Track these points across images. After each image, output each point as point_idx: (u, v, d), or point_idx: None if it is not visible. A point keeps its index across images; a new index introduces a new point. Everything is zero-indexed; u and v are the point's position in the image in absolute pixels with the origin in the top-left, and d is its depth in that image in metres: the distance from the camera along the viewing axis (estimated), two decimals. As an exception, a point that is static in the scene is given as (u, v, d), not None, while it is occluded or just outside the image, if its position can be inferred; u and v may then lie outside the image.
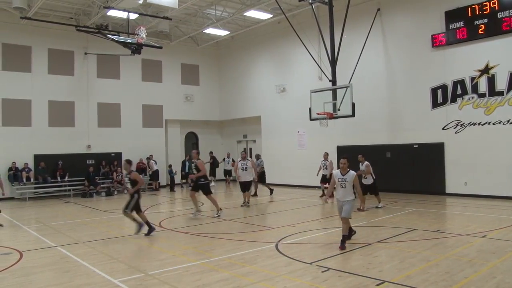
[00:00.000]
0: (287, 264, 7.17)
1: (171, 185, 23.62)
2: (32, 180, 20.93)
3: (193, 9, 21.48)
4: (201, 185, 13.58)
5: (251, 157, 21.52)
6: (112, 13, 19.85)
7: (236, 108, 27.04)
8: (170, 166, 24.28)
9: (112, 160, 23.32)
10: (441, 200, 16.05)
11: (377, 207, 14.28)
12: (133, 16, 20.00)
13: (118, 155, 23.58)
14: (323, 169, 17.46)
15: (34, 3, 18.65)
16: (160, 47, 20.40)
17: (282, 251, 8.57)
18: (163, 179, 25.32)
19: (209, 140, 28.29)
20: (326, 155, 17.61)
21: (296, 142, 22.63)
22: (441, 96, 17.12)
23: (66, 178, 21.67)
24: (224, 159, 25.11)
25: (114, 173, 22.50)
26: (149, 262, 8.18)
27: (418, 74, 17.76)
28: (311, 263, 7.58)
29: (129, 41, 18.45)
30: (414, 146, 17.93)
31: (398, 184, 18.29)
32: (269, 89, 24.42)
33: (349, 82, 17.10)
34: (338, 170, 9.23)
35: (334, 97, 16.99)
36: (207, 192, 13.62)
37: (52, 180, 21.36)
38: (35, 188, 20.95)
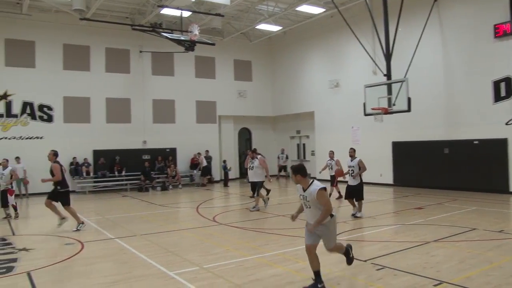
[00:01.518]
0: (341, 261, 7.05)
1: (225, 181, 23.87)
2: (91, 174, 21.83)
3: (245, 5, 21.56)
4: (59, 194, 11.16)
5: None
6: (166, 11, 20.27)
7: (289, 103, 26.94)
8: (224, 161, 24.55)
9: (167, 156, 23.87)
10: (505, 199, 15.23)
11: (355, 216, 12.07)
12: (186, 14, 20.32)
13: (173, 151, 24.12)
14: (329, 169, 16.08)
15: (92, 5, 19.33)
16: (213, 44, 20.61)
17: (336, 248, 8.45)
18: (217, 174, 25.68)
19: (262, 136, 28.36)
20: (331, 154, 16.06)
21: (350, 137, 22.25)
22: (505, 89, 16.24)
23: (123, 173, 22.40)
24: (278, 156, 25.18)
25: (169, 169, 23.00)
26: (203, 255, 8.29)
27: (479, 67, 16.92)
28: (365, 261, 7.42)
29: (182, 38, 18.73)
30: (474, 142, 17.14)
31: (456, 181, 17.58)
32: (323, 84, 24.14)
33: (405, 76, 16.61)
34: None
35: (389, 91, 16.56)
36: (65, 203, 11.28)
37: (110, 175, 22.15)
38: (94, 182, 21.82)
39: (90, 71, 22.43)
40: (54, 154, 11.17)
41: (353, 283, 6.33)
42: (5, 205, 13.52)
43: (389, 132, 19.93)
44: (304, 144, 26.84)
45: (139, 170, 22.23)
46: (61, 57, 21.75)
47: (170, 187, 22.56)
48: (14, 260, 8.35)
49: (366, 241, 9.21)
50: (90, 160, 22.11)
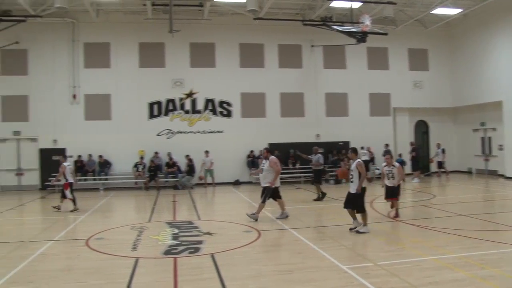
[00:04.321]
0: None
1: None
2: (267, 167, 22.89)
3: (421, -11, 20.24)
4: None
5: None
6: (335, 4, 20.16)
7: (471, 93, 24.47)
8: (400, 155, 23.47)
9: (340, 149, 23.82)
10: None
11: (356, 231, 9.78)
12: (356, 5, 19.92)
13: (346, 144, 23.97)
14: (387, 178, 11.74)
15: (264, 4, 20.21)
16: (386, 34, 19.84)
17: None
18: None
19: (441, 129, 26.34)
20: (389, 159, 11.79)
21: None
22: None
23: (297, 166, 23.01)
24: (436, 152, 23.23)
25: (342, 162, 22.91)
26: (376, 252, 8.04)
27: None
28: None
29: (353, 30, 18.46)
30: None
31: None
32: (512, 71, 21.36)
33: None
34: None
35: None
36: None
37: (284, 167, 22.92)
38: (270, 174, 22.81)
39: (264, 68, 23.55)
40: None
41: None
42: (65, 197, 14.29)
43: None
44: (489, 138, 24.15)
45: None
46: (238, 56, 23.29)
47: (344, 180, 22.43)
48: (200, 242, 9.25)
49: None
50: (266, 153, 23.19)
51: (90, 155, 21.53)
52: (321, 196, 15.51)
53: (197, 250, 8.59)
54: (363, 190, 9.87)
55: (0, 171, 21.30)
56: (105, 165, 21.49)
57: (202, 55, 22.89)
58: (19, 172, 21.50)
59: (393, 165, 11.56)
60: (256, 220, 11.46)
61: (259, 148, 22.87)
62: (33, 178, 21.41)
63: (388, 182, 11.67)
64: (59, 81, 21.67)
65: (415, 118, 26.20)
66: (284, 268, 7.21)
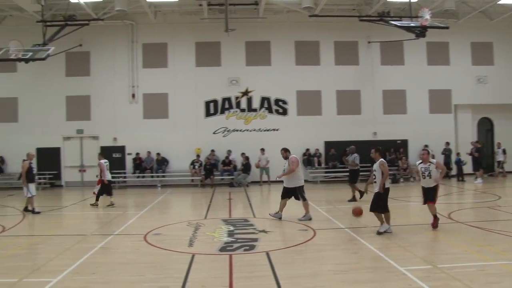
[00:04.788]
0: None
1: (459, 175, 21.90)
2: (323, 165, 22.71)
3: (485, -21, 19.30)
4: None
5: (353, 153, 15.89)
6: (393, -2, 19.62)
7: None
8: (458, 154, 22.55)
9: (397, 147, 23.18)
10: None
11: (378, 231, 9.46)
12: (415, -2, 19.29)
13: (404, 142, 23.30)
14: (423, 176, 10.20)
15: (320, 1, 19.98)
16: (447, 27, 19.01)
17: None
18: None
19: (507, 127, 24.92)
20: (425, 155, 10.32)
21: None
22: None
23: (354, 164, 22.59)
24: (495, 151, 22.03)
25: (400, 161, 22.29)
26: (437, 254, 7.76)
27: None
28: None
29: (412, 25, 17.90)
30: None
31: None
32: None
33: None
34: None
35: None
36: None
37: (340, 166, 22.61)
38: (325, 172, 22.62)
39: (320, 65, 23.31)
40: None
41: None
42: (110, 193, 14.95)
43: None
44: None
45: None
46: (293, 53, 23.22)
47: (401, 180, 21.84)
48: (255, 239, 9.29)
49: None
50: (322, 151, 23.02)
51: (148, 153, 22.21)
52: (359, 196, 14.97)
53: (252, 247, 8.62)
54: (386, 191, 9.60)
55: (65, 168, 22.46)
56: (162, 162, 22.09)
57: (258, 53, 23.02)
58: (82, 169, 22.52)
59: (430, 162, 10.05)
60: (310, 219, 11.37)
61: (315, 146, 22.88)
62: (94, 174, 22.27)
63: (424, 183, 10.13)
64: (119, 81, 22.57)
65: (479, 115, 24.97)
66: (340, 268, 7.09)
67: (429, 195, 9.99)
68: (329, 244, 8.81)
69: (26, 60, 17.12)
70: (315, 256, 7.88)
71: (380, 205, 9.56)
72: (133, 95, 22.56)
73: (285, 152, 11.86)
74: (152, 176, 22.01)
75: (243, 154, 21.75)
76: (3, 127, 22.28)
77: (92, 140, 22.65)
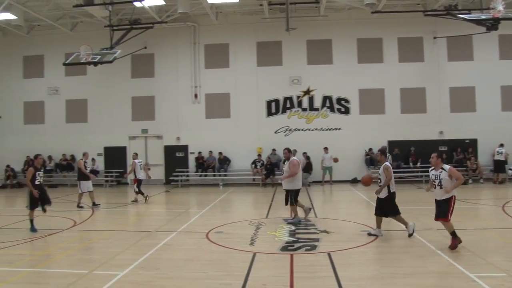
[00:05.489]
0: None
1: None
2: (388, 164, 22.09)
3: None
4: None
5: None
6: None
7: None
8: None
9: (466, 147, 22.14)
10: None
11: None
12: (487, -11, 18.29)
13: (473, 142, 22.21)
14: (433, 186, 8.58)
15: (382, -3, 19.46)
16: (522, 19, 17.94)
17: None
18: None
19: None
20: (435, 158, 8.65)
21: None
22: None
23: (418, 164, 21.85)
24: (497, 151, 20.37)
25: (469, 161, 21.29)
26: (511, 261, 7.31)
27: None
28: None
29: (483, 17, 17.01)
30: None
31: None
32: None
33: None
34: None
35: None
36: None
37: (404, 166, 21.96)
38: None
39: (383, 63, 22.72)
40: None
41: None
42: (140, 192, 16.07)
43: None
44: None
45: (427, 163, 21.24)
46: (355, 51, 22.78)
47: (470, 181, 20.82)
48: (317, 240, 9.25)
49: None
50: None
51: (210, 152, 22.63)
52: None
53: (313, 247, 8.58)
54: (392, 195, 9.25)
55: (130, 166, 23.26)
56: (224, 161, 22.43)
57: (319, 52, 22.83)
58: (147, 167, 23.28)
59: (442, 169, 8.30)
60: (300, 221, 11.18)
61: (378, 145, 22.07)
62: (158, 172, 23.11)
63: (435, 194, 8.45)
64: (181, 82, 23.20)
65: (556, 112, 23.32)
66: (404, 271, 6.89)
67: (441, 210, 8.26)
68: (393, 246, 8.58)
69: (95, 64, 18.09)
70: (378, 258, 7.73)
71: (388, 211, 9.30)
72: (196, 95, 23.07)
73: (288, 152, 11.55)
74: (214, 175, 22.40)
75: (304, 153, 21.62)
76: (74, 128, 23.65)
77: (156, 140, 23.43)
